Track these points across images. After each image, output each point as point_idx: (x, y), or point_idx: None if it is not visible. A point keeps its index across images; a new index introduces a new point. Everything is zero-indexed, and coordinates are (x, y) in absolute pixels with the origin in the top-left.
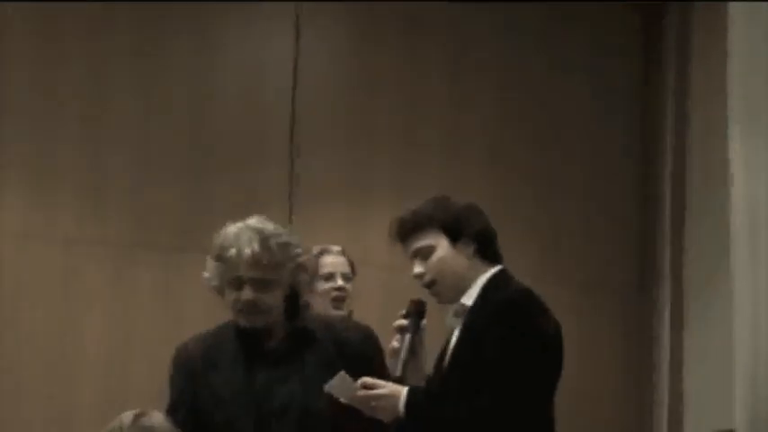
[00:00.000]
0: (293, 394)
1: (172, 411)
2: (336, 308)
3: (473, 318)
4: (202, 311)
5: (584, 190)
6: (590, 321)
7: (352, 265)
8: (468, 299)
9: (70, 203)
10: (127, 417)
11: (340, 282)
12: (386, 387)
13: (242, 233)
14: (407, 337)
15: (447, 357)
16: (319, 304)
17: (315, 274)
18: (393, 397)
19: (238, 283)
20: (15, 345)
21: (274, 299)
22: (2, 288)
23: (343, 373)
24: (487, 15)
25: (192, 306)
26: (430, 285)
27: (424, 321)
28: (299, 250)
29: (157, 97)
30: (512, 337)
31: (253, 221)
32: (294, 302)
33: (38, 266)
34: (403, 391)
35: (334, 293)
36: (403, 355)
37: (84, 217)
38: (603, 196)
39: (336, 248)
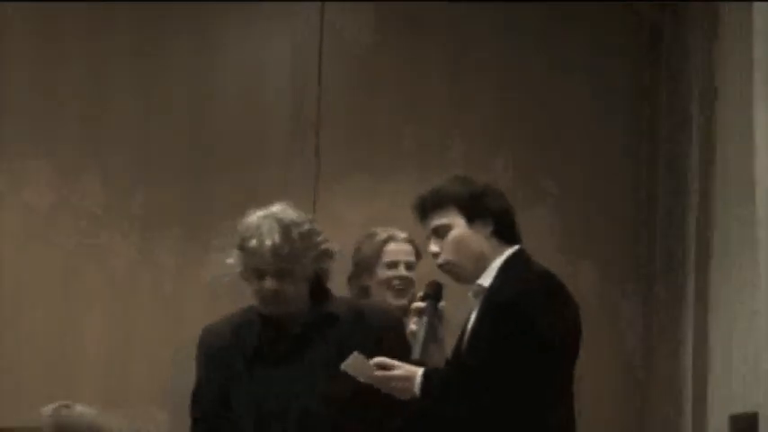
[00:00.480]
0: (308, 379)
1: (198, 393)
2: (397, 297)
3: (488, 305)
4: (202, 311)
5: (590, 182)
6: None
7: (417, 252)
8: (486, 279)
9: (70, 204)
10: (47, 409)
11: (403, 271)
12: (401, 368)
13: (263, 223)
14: (425, 319)
15: (465, 339)
16: (379, 292)
17: (377, 261)
18: (408, 379)
19: (260, 273)
20: (15, 344)
21: (296, 288)
22: (2, 288)
23: (357, 353)
24: (487, 15)
25: (192, 306)
26: (445, 264)
27: (442, 303)
28: (321, 237)
29: (157, 97)
30: (507, 342)
31: (276, 209)
32: (318, 289)
33: (38, 266)
34: (418, 372)
35: (396, 283)
36: (421, 337)
37: (93, 204)
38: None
39: (402, 235)
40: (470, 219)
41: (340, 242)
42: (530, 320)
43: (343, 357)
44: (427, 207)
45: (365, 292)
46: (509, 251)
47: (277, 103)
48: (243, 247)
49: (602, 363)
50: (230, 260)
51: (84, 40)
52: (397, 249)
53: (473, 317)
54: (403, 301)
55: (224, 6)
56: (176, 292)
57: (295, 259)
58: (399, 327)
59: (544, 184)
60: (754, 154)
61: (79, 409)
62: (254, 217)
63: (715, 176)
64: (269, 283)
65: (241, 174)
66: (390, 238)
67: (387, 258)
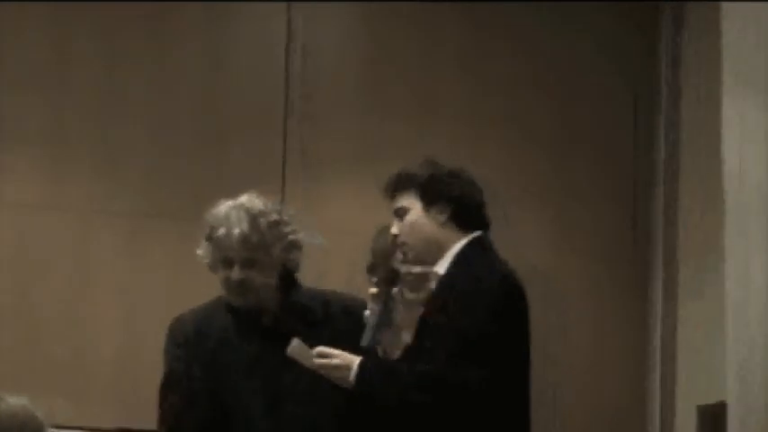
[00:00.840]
0: (300, 372)
1: (167, 384)
2: (411, 290)
3: (438, 293)
4: (214, 279)
5: (586, 169)
6: (584, 287)
7: None
8: (441, 267)
9: (82, 174)
10: None
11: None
12: (338, 357)
13: (231, 213)
14: (377, 306)
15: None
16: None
17: (393, 252)
18: (344, 368)
19: (228, 263)
20: (29, 315)
21: (264, 278)
22: (17, 259)
23: (297, 339)
24: (470, 12)
25: (204, 275)
26: (401, 247)
27: (395, 289)
28: (290, 228)
29: (170, 68)
30: (451, 332)
31: (244, 199)
32: (287, 280)
33: (51, 237)
34: (355, 362)
35: (409, 277)
36: (371, 324)
37: (97, 188)
38: (603, 176)
39: None
40: (427, 203)
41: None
42: (474, 313)
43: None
44: (392, 189)
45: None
46: (466, 239)
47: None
48: (211, 237)
49: (567, 355)
50: (199, 251)
51: (97, 11)
52: None
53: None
54: (417, 295)
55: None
56: (188, 261)
57: (263, 249)
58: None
59: (529, 180)
60: (721, 152)
61: (11, 400)
62: (223, 207)
63: (680, 172)
64: (236, 273)
65: (253, 144)
66: None
67: None
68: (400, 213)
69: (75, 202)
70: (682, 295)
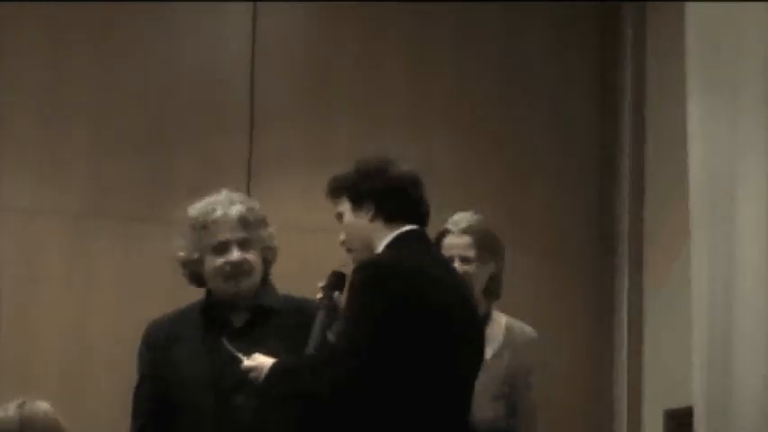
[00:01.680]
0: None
1: (140, 386)
2: None
3: None
4: (162, 279)
5: (548, 162)
6: (551, 288)
7: (481, 243)
8: None
9: (29, 174)
10: (11, 406)
11: (456, 266)
12: (254, 360)
13: (220, 200)
14: (321, 311)
15: None
16: None
17: None
18: (258, 369)
19: (223, 247)
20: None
21: (257, 259)
22: None
23: (224, 340)
24: (432, 10)
25: (151, 276)
26: (347, 251)
27: (336, 294)
28: (271, 231)
29: (117, 68)
30: (349, 311)
31: (224, 193)
32: (265, 271)
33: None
34: (267, 363)
35: None
36: (316, 330)
37: (43, 188)
38: (567, 170)
39: (462, 226)
40: (354, 203)
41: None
42: (353, 305)
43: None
44: (330, 197)
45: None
46: (393, 233)
47: (236, 75)
48: (204, 224)
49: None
50: (180, 246)
51: (44, 10)
52: (451, 243)
53: None
54: None
55: None
56: (135, 262)
57: (255, 230)
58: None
59: (491, 179)
60: (687, 150)
61: (34, 404)
62: (209, 197)
63: (646, 171)
64: (235, 254)
65: (200, 144)
66: (446, 232)
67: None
68: (339, 219)
69: (19, 203)
70: (648, 297)
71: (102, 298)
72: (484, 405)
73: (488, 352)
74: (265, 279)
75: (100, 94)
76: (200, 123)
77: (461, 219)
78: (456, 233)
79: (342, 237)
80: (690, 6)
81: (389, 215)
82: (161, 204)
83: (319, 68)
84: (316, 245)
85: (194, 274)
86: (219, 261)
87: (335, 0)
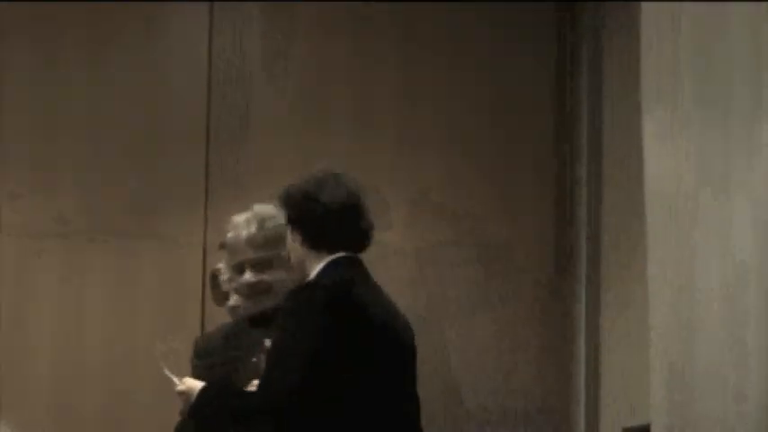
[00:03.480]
0: None
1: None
2: None
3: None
4: (155, 296)
5: (505, 173)
6: (509, 306)
7: None
8: None
9: (18, 191)
10: None
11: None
12: (184, 384)
13: (241, 220)
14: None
15: None
16: None
17: None
18: (186, 393)
19: (240, 268)
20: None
21: (276, 278)
22: None
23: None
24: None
25: (140, 292)
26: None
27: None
28: None
29: (103, 85)
30: (282, 333)
31: (255, 207)
32: None
33: None
34: (196, 388)
35: None
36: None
37: (34, 204)
38: (522, 180)
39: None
40: (289, 225)
41: None
42: (286, 325)
43: None
44: None
45: None
46: (324, 260)
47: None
48: (224, 245)
49: (491, 371)
50: (220, 265)
51: (33, 29)
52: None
53: None
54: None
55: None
56: (127, 277)
57: (272, 247)
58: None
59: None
60: (643, 158)
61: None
62: (236, 217)
63: (603, 177)
64: (248, 276)
65: (189, 161)
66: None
67: None
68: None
69: (7, 221)
70: (606, 311)
71: (93, 314)
72: None
73: None
74: None
75: (89, 110)
76: (182, 140)
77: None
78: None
79: None
80: (645, 8)
81: (317, 244)
82: (151, 220)
83: (294, 83)
84: None
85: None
86: (239, 281)
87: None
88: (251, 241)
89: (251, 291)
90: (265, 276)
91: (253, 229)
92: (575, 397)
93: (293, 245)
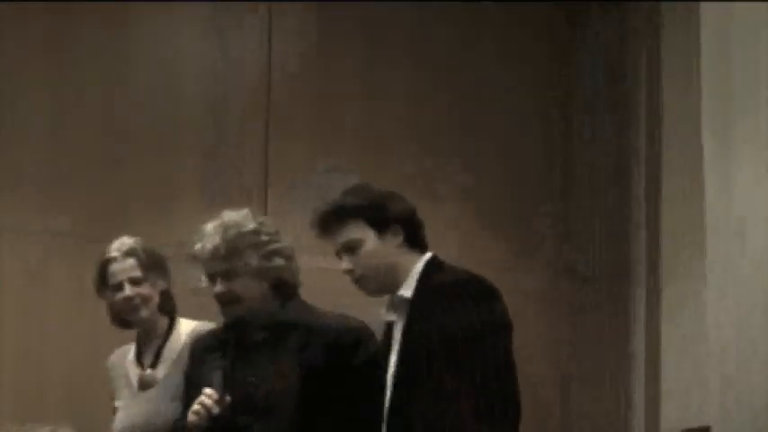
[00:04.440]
0: (261, 377)
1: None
2: None
3: (418, 308)
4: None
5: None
6: (561, 311)
7: (151, 263)
8: (407, 290)
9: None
10: (44, 430)
11: (127, 289)
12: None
13: (208, 229)
14: None
15: (395, 353)
16: None
17: None
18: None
19: (212, 278)
20: None
21: (244, 287)
22: None
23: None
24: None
25: None
26: (361, 279)
27: None
28: (269, 237)
29: (70, 86)
30: (476, 317)
31: (223, 214)
32: (281, 290)
33: None
34: None
35: None
36: None
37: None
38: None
39: (124, 249)
40: (379, 230)
41: None
42: (485, 296)
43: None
44: (331, 223)
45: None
46: (424, 258)
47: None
48: (195, 256)
49: (545, 372)
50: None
51: None
52: (117, 269)
53: (398, 331)
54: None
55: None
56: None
57: (236, 258)
58: (362, 334)
59: (460, 177)
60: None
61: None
62: (204, 225)
63: (662, 184)
64: (218, 286)
65: (156, 164)
66: (109, 260)
67: None
68: (351, 246)
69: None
70: (664, 316)
71: (57, 319)
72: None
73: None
74: (286, 293)
75: (53, 113)
76: (156, 142)
77: (121, 243)
78: (119, 258)
79: (347, 265)
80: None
81: (416, 241)
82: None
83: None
84: None
85: None
86: (213, 291)
87: None
88: (214, 252)
89: (220, 300)
90: (234, 285)
91: (217, 239)
92: (636, 397)
93: (381, 248)
